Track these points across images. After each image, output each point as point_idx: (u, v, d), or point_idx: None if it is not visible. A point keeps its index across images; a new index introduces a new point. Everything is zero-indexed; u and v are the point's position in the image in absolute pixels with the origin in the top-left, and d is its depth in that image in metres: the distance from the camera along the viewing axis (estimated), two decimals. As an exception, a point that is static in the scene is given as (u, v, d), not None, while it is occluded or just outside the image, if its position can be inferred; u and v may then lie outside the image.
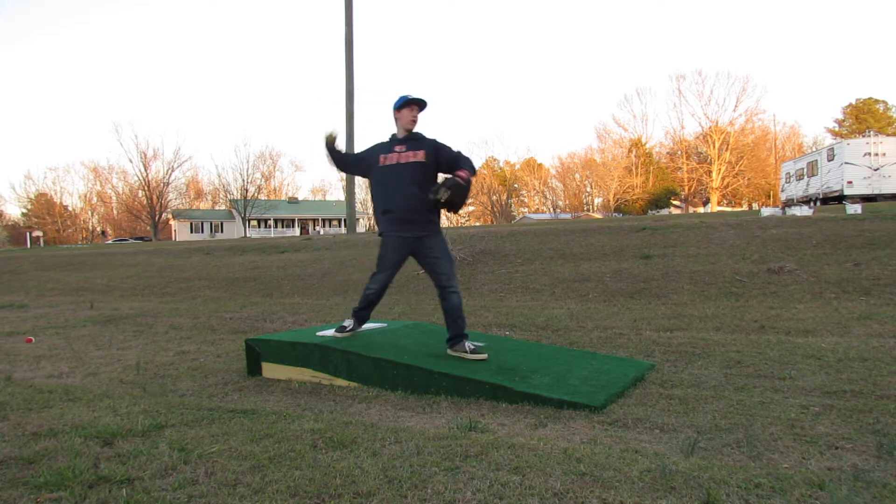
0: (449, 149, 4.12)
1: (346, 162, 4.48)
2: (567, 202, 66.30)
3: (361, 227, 55.75)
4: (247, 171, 57.29)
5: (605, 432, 2.83)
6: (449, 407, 3.40)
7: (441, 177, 4.11)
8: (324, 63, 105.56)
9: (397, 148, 4.12)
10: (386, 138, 4.25)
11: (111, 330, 7.19)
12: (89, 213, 71.77)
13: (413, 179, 4.02)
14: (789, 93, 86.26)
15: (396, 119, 4.16)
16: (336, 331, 4.41)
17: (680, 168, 58.03)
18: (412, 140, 4.12)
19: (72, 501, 2.05)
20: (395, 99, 4.16)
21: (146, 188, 57.31)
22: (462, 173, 3.93)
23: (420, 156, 4.04)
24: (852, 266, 7.71)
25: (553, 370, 3.81)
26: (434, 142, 4.12)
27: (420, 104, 4.13)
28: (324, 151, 4.35)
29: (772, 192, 50.11)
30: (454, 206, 3.97)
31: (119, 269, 15.44)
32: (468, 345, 4.02)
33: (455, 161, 4.05)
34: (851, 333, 4.95)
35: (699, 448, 2.52)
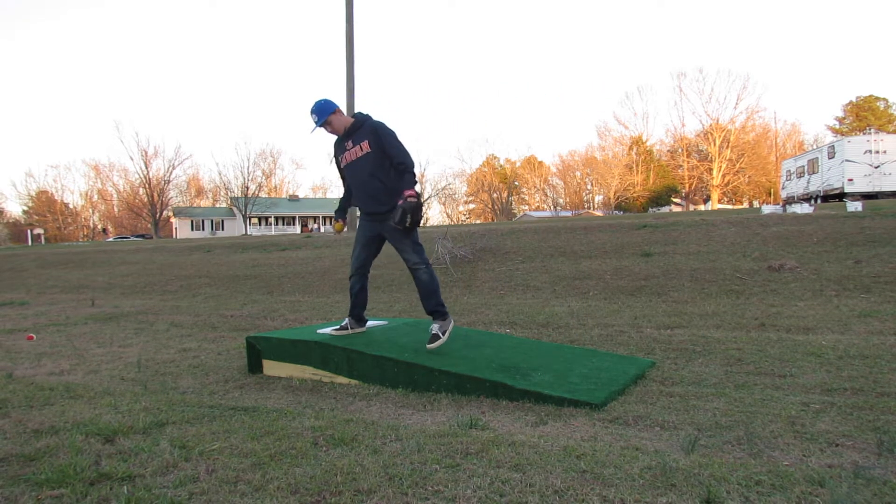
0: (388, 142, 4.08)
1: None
2: (568, 200, 66.30)
3: (362, 224, 55.61)
4: (247, 169, 57.44)
5: (606, 430, 2.83)
6: (450, 404, 3.41)
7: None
8: (324, 60, 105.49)
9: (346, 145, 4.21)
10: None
11: (112, 327, 7.20)
12: (90, 210, 71.88)
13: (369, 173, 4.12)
14: (790, 90, 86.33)
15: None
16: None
17: (681, 166, 57.94)
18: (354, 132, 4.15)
19: (73, 498, 2.05)
20: (324, 104, 4.15)
21: (147, 186, 57.40)
22: (408, 193, 3.90)
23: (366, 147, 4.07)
24: (853, 263, 7.70)
25: (554, 368, 3.81)
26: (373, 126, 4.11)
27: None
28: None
29: (772, 190, 50.06)
30: (416, 223, 3.99)
31: (120, 266, 15.45)
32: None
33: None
34: (852, 331, 4.95)
35: (700, 445, 2.52)
